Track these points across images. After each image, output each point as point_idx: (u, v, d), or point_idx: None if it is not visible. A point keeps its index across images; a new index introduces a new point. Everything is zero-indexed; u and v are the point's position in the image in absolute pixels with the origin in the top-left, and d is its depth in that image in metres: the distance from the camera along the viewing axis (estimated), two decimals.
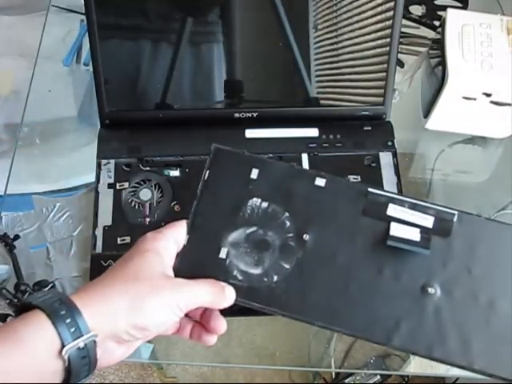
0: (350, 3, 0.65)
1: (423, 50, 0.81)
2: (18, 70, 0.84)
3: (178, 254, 0.45)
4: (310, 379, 1.24)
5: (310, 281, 0.46)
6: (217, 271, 0.46)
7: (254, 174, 0.48)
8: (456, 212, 0.46)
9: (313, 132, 0.70)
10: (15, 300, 0.59)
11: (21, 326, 0.38)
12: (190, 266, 0.46)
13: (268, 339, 0.94)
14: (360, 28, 0.65)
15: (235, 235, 0.47)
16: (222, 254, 0.46)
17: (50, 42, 0.83)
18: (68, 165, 0.74)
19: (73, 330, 0.39)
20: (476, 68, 0.67)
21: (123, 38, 0.66)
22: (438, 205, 0.47)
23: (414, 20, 0.84)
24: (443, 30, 0.70)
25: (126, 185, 0.67)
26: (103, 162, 0.68)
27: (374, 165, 0.69)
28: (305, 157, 0.69)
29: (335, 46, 0.67)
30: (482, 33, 0.69)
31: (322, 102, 0.70)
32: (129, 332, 0.41)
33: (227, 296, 0.45)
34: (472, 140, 0.75)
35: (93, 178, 0.67)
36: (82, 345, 0.39)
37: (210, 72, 0.69)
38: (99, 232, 0.64)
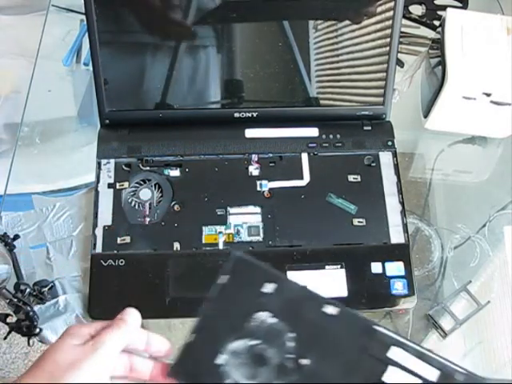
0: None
1: (423, 49, 0.81)
2: (18, 69, 0.84)
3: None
4: None
5: None
6: (209, 375, 0.45)
7: (270, 288, 0.48)
8: (465, 372, 0.43)
9: (313, 132, 0.70)
10: (15, 300, 0.59)
11: None
12: (185, 363, 0.45)
13: None
14: (360, 28, 0.65)
15: (237, 345, 0.46)
16: (219, 360, 0.45)
17: (50, 42, 0.83)
18: (68, 165, 0.74)
19: None
20: (476, 68, 0.67)
21: (123, 38, 0.66)
22: (446, 360, 0.43)
23: (414, 20, 0.84)
24: (443, 29, 0.70)
25: (126, 185, 0.67)
26: (103, 161, 0.68)
27: (373, 164, 0.69)
28: (305, 156, 0.69)
29: (335, 46, 0.67)
30: (482, 33, 0.69)
31: (321, 101, 0.70)
32: None
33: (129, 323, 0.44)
34: (472, 140, 0.75)
35: (93, 178, 0.67)
36: None
37: (210, 72, 0.69)
38: (99, 232, 0.64)
